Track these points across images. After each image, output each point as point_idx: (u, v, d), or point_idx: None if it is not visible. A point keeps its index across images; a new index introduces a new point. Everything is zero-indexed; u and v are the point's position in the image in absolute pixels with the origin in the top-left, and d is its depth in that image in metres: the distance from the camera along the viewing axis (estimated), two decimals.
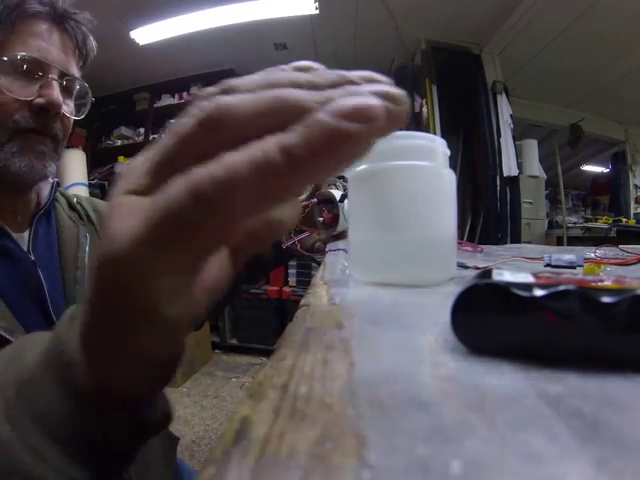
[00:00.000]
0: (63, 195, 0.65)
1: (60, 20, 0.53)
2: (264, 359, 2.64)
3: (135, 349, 0.17)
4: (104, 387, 0.18)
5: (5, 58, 0.48)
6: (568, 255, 0.48)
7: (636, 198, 4.30)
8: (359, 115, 0.13)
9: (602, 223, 3.45)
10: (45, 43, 0.51)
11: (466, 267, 0.45)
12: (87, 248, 0.59)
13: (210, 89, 0.16)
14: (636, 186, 4.32)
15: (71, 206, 0.64)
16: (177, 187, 0.14)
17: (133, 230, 0.14)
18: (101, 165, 3.92)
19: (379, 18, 2.72)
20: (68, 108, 0.56)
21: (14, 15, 0.49)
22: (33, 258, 0.53)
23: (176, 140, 0.15)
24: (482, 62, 3.02)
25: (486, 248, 0.78)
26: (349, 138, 0.13)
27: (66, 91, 0.55)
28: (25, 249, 0.53)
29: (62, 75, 0.54)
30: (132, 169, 0.17)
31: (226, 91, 0.16)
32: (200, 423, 1.82)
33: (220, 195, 0.13)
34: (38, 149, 0.52)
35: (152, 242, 0.14)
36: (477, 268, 0.44)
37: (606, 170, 4.95)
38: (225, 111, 0.14)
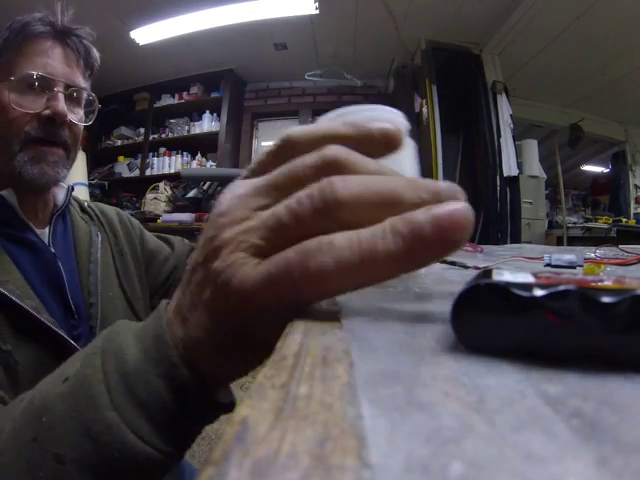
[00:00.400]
0: (75, 200, 0.72)
1: (62, 36, 0.58)
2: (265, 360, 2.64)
3: (237, 362, 0.24)
4: (200, 382, 0.23)
5: (12, 78, 0.54)
6: (568, 255, 0.48)
7: (636, 198, 4.30)
8: (455, 226, 0.16)
9: (602, 223, 3.45)
10: (50, 59, 0.57)
11: (466, 267, 0.45)
12: (99, 244, 0.66)
13: (315, 158, 0.19)
14: (636, 186, 4.32)
15: (82, 209, 0.71)
16: (292, 273, 0.18)
17: (254, 288, 0.19)
18: (101, 165, 3.93)
19: (379, 18, 2.73)
20: (77, 116, 0.61)
21: (20, 37, 0.55)
22: (53, 251, 0.59)
23: (290, 218, 0.18)
24: (482, 62, 3.02)
25: (486, 248, 0.78)
26: (446, 249, 0.17)
27: (74, 101, 0.61)
28: (46, 243, 0.60)
29: (67, 87, 0.59)
30: (234, 216, 0.21)
31: (335, 166, 0.19)
32: None
33: (323, 281, 0.18)
34: (50, 159, 0.57)
35: (269, 297, 0.19)
36: (477, 268, 0.44)
37: (606, 170, 4.96)
38: (340, 204, 0.17)
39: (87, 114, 0.65)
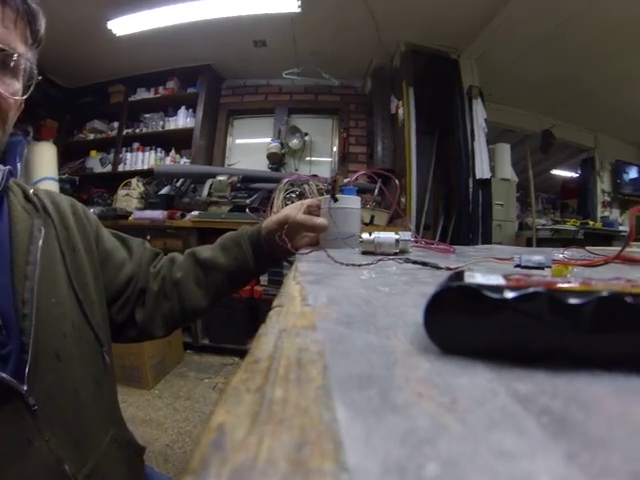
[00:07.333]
0: (19, 185, 0.60)
1: None
2: (236, 359, 2.61)
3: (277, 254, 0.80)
4: (270, 249, 0.78)
5: None
6: (537, 256, 0.49)
7: (603, 202, 4.48)
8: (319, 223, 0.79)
9: (570, 225, 3.57)
10: None
11: (438, 268, 0.46)
12: (40, 242, 0.54)
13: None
14: (603, 191, 4.50)
15: (27, 197, 0.59)
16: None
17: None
18: (72, 159, 3.80)
19: (360, 19, 2.74)
20: (7, 87, 0.50)
21: None
22: None
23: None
24: (459, 67, 3.07)
25: (458, 248, 0.80)
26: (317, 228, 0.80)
27: (7, 69, 0.50)
28: None
29: None
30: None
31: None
32: (173, 426, 1.79)
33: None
34: None
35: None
36: (449, 269, 0.45)
37: (575, 175, 5.13)
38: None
39: (27, 88, 0.55)
